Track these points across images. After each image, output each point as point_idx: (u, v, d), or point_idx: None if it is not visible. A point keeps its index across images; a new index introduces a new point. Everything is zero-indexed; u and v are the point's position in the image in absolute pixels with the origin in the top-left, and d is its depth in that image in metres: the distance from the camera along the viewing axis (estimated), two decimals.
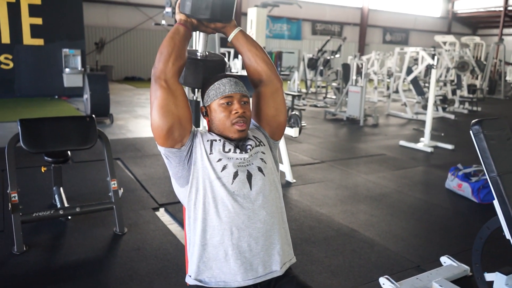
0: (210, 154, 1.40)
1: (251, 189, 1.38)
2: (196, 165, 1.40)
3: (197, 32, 1.55)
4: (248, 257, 1.35)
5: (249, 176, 1.39)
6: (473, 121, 2.12)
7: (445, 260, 2.73)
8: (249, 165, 1.41)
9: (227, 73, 1.53)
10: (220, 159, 1.39)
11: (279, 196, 1.49)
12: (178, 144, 1.38)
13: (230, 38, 1.52)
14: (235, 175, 1.37)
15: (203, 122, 5.04)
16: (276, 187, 1.48)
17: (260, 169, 1.42)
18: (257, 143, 1.48)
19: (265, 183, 1.42)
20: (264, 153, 1.48)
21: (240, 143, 1.45)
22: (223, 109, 1.42)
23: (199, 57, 1.57)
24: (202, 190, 1.38)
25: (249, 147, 1.44)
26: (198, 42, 1.58)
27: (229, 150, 1.41)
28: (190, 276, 1.43)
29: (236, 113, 1.41)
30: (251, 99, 1.54)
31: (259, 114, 1.56)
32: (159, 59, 1.35)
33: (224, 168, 1.37)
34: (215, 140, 1.42)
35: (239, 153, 1.41)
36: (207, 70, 1.53)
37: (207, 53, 1.60)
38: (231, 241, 1.34)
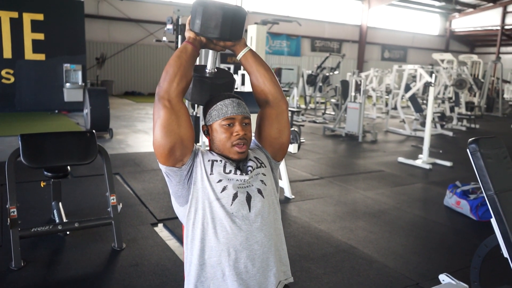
0: (210, 174, 1.40)
1: (250, 211, 1.38)
2: (196, 185, 1.40)
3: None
4: (245, 279, 1.35)
5: (249, 198, 1.39)
6: (470, 139, 2.14)
7: (444, 278, 2.71)
8: (249, 187, 1.41)
9: (229, 93, 1.52)
10: (220, 180, 1.39)
11: (278, 218, 1.49)
12: (179, 163, 1.39)
13: (239, 57, 1.52)
14: (235, 196, 1.37)
15: (203, 137, 5.05)
16: (275, 209, 1.48)
17: (259, 191, 1.42)
18: (258, 165, 1.48)
19: (264, 205, 1.42)
20: (264, 175, 1.47)
21: (241, 164, 1.46)
22: (225, 130, 1.42)
23: (207, 74, 1.54)
24: (201, 210, 1.38)
25: (249, 168, 1.44)
26: (207, 58, 1.55)
27: (230, 171, 1.41)
28: None
29: (237, 135, 1.41)
30: (254, 116, 1.54)
31: (262, 135, 1.55)
32: (164, 78, 1.35)
33: (224, 189, 1.38)
34: (216, 161, 1.43)
35: (240, 174, 1.41)
36: (214, 89, 1.52)
37: (215, 69, 1.58)
38: (228, 262, 1.34)
